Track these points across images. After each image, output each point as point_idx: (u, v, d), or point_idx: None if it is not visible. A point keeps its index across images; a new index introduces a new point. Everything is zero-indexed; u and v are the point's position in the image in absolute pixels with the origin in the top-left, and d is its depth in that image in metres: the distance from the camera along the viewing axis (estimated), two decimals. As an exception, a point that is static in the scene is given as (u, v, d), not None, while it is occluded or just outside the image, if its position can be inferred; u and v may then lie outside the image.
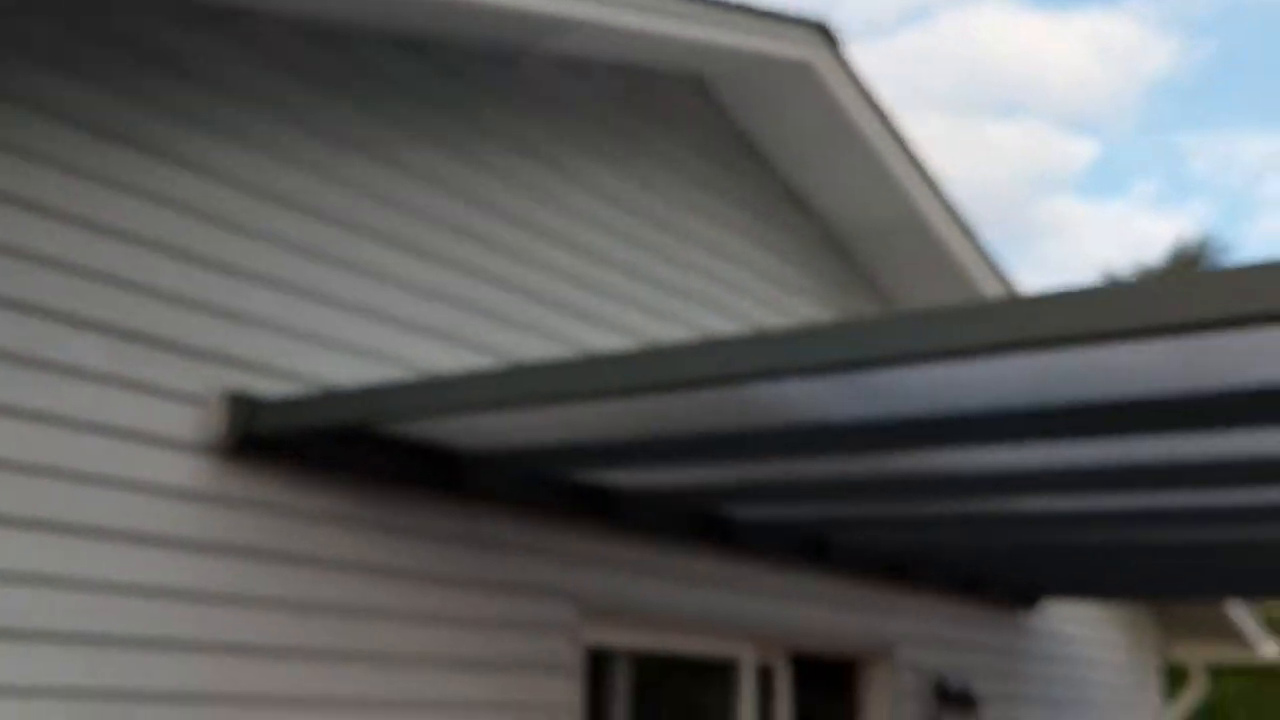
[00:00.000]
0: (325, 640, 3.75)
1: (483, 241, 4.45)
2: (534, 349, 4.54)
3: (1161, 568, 6.37)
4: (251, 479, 3.61)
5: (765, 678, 5.77)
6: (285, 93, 3.87)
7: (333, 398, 3.50)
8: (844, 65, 5.43)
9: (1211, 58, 50.85)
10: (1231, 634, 9.60)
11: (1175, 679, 10.69)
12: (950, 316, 2.57)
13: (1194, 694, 9.89)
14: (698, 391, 3.04)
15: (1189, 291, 2.25)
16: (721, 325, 5.41)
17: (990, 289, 6.17)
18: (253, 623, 3.56)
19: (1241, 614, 9.49)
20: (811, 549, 5.69)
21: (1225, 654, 10.00)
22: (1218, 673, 12.39)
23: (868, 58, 50.37)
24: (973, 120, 48.58)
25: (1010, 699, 7.36)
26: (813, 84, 5.41)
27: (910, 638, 6.54)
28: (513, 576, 4.39)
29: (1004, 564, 6.50)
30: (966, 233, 5.98)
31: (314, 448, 3.71)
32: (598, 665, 4.86)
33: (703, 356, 2.88)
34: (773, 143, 5.75)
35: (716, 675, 5.49)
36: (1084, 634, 8.38)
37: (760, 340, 2.79)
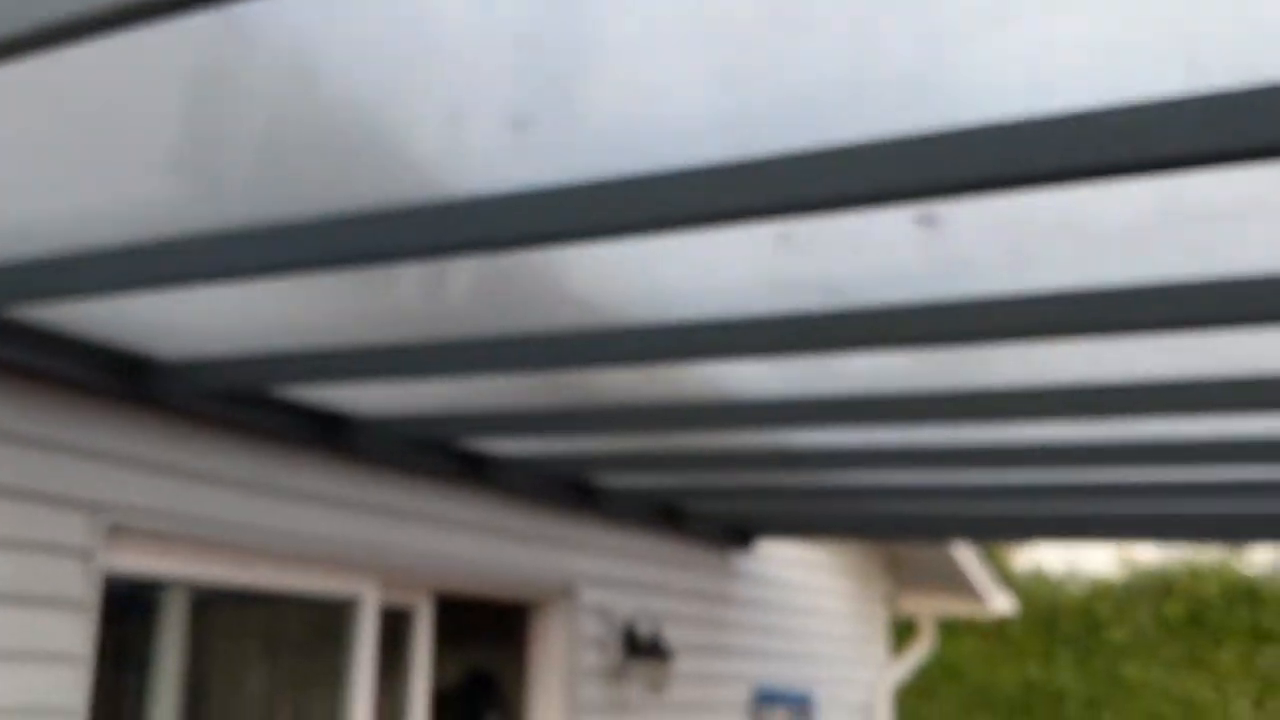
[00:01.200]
0: None
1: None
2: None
3: (885, 500, 5.51)
4: None
5: (399, 623, 4.62)
6: None
7: None
8: None
9: None
10: (963, 587, 9.09)
11: (906, 633, 10.20)
12: None
13: (923, 647, 9.37)
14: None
15: None
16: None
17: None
18: None
19: (974, 567, 8.95)
20: (462, 465, 4.55)
21: (956, 607, 9.52)
22: (955, 631, 12.06)
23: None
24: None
25: (715, 650, 6.44)
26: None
27: (593, 578, 5.51)
28: (-20, 473, 3.11)
29: (709, 494, 5.54)
30: None
31: None
32: (133, 602, 3.61)
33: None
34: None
35: (326, 619, 4.31)
36: (805, 580, 7.57)
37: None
